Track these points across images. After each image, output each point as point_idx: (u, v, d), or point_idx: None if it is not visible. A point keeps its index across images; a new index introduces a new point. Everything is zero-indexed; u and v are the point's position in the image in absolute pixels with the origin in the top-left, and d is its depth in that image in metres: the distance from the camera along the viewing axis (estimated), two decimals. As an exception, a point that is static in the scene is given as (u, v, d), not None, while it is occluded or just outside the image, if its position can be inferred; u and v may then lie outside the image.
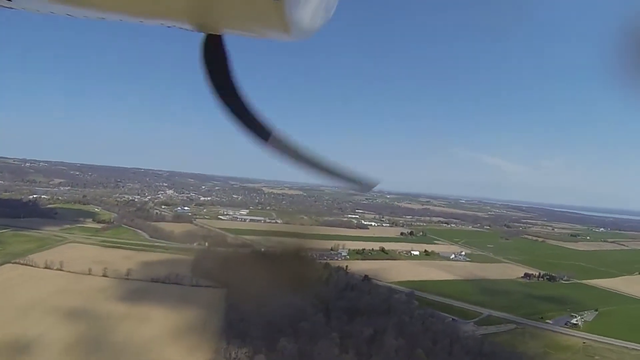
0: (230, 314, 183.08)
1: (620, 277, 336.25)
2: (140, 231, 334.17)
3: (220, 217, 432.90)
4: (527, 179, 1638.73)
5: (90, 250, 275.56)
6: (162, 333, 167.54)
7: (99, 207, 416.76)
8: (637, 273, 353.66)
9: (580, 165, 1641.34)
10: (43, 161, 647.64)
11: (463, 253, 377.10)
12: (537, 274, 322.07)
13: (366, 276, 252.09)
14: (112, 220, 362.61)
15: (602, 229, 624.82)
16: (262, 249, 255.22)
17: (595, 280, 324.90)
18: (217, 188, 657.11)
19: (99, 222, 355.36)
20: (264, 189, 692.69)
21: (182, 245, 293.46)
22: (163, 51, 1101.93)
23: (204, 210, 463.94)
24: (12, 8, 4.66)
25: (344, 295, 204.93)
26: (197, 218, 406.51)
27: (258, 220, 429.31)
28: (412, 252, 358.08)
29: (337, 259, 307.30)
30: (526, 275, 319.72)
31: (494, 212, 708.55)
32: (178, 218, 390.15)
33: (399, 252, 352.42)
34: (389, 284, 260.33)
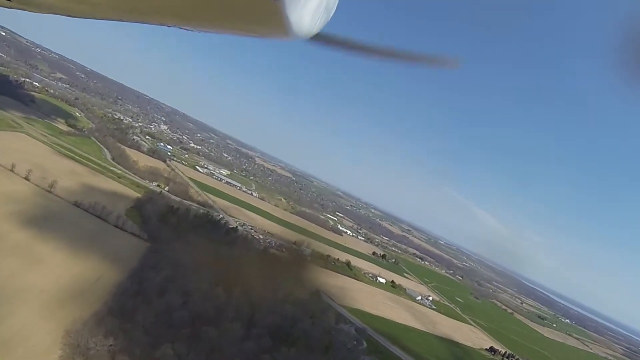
0: (135, 280, 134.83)
1: None
2: (105, 150, 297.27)
3: (197, 167, 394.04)
4: (508, 244, 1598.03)
5: (37, 148, 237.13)
6: (37, 280, 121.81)
7: (82, 114, 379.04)
8: None
9: (561, 250, 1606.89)
10: (55, 53, 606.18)
11: (430, 298, 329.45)
12: (503, 352, 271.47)
13: (318, 291, 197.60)
14: (84, 130, 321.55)
15: (567, 320, 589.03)
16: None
17: None
18: (211, 141, 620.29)
19: (71, 126, 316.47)
20: (257, 159, 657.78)
21: (138, 180, 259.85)
22: None
23: (186, 155, 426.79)
24: (12, 8, 4.84)
25: (280, 309, 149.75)
26: (173, 160, 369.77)
27: (234, 185, 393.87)
28: (378, 278, 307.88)
29: (296, 255, 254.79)
30: (492, 349, 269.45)
31: (469, 264, 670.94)
32: (153, 153, 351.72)
33: (365, 274, 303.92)
34: (341, 309, 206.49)
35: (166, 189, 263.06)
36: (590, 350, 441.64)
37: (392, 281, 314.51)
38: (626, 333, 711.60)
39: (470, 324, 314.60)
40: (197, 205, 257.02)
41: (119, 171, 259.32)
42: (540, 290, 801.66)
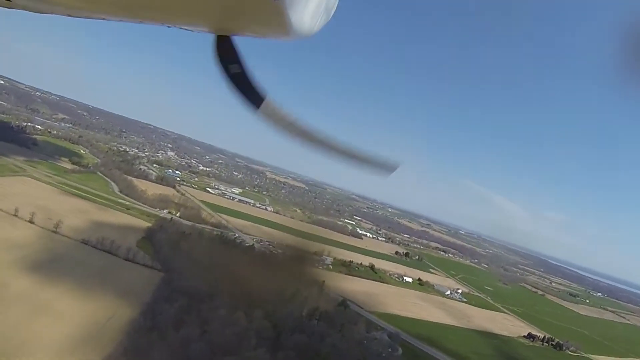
0: (148, 315, 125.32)
1: (630, 358, 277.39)
2: (112, 183, 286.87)
3: (208, 189, 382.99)
4: (527, 225, 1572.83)
5: (41, 189, 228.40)
6: (44, 328, 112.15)
7: (87, 150, 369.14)
8: None
9: (581, 225, 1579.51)
10: (55, 94, 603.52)
11: (460, 291, 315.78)
12: (542, 336, 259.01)
13: (344, 301, 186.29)
14: (89, 166, 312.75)
15: (599, 293, 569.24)
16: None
17: (603, 357, 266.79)
18: (220, 161, 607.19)
19: (75, 163, 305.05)
20: (267, 173, 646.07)
21: (148, 209, 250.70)
22: None
23: (196, 179, 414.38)
24: (12, 8, 4.86)
25: (306, 327, 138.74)
26: (183, 184, 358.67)
27: (247, 203, 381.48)
28: (404, 277, 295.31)
29: (318, 267, 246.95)
30: (529, 335, 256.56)
31: (492, 250, 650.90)
32: (162, 180, 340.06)
33: (390, 275, 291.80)
34: (371, 316, 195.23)
35: (177, 215, 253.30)
36: (627, 322, 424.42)
37: (419, 279, 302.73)
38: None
39: (503, 312, 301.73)
40: (211, 227, 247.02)
41: (127, 203, 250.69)
42: (567, 267, 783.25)
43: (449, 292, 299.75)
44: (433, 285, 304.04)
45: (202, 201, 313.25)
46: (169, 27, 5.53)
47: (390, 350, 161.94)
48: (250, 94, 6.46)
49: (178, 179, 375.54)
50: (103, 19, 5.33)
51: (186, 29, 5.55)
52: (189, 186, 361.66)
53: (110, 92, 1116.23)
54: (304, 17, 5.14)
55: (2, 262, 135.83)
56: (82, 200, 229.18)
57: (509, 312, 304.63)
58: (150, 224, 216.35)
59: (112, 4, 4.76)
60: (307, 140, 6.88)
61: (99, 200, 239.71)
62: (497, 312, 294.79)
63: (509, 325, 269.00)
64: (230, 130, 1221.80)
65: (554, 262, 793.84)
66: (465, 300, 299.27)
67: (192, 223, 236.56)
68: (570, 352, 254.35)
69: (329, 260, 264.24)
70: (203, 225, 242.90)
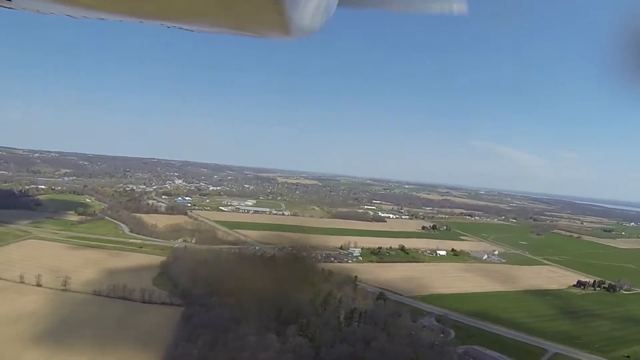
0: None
1: None
2: (122, 224, 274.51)
3: (221, 208, 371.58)
4: (546, 171, 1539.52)
5: (47, 248, 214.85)
6: None
7: (92, 197, 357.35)
8: None
9: (599, 158, 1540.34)
10: (54, 152, 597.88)
11: (496, 252, 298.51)
12: (591, 281, 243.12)
13: (382, 293, 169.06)
14: (96, 213, 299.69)
15: (632, 223, 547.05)
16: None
17: None
18: (229, 178, 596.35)
19: (82, 214, 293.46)
20: (278, 178, 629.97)
21: (162, 242, 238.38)
22: (175, 45, 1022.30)
23: (207, 200, 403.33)
24: (12, 8, 4.90)
25: (347, 334, 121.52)
26: (195, 209, 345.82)
27: (263, 212, 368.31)
28: (437, 251, 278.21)
29: (347, 261, 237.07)
30: (579, 283, 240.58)
31: (516, 204, 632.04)
32: (172, 210, 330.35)
33: (422, 252, 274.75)
34: (413, 301, 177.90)
35: (193, 241, 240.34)
36: None
37: (452, 249, 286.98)
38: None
39: (545, 264, 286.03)
40: (229, 246, 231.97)
41: (139, 241, 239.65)
42: (593, 204, 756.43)
43: (486, 257, 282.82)
44: (468, 252, 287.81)
45: (217, 221, 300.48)
46: (168, 27, 5.45)
47: (442, 335, 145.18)
48: None
49: (189, 204, 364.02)
50: (103, 19, 5.21)
51: (186, 29, 5.51)
52: (201, 209, 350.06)
53: (107, 136, 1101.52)
54: (304, 16, 5.18)
55: (8, 338, 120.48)
56: (92, 250, 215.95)
57: (550, 263, 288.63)
58: (164, 258, 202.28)
59: (112, 3, 4.69)
60: (382, 5, 7.26)
61: (110, 245, 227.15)
62: (539, 266, 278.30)
63: (555, 277, 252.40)
64: (233, 144, 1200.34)
65: (579, 202, 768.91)
66: (504, 260, 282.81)
67: (208, 246, 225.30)
68: (625, 292, 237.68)
69: (357, 251, 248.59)
70: (220, 246, 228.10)
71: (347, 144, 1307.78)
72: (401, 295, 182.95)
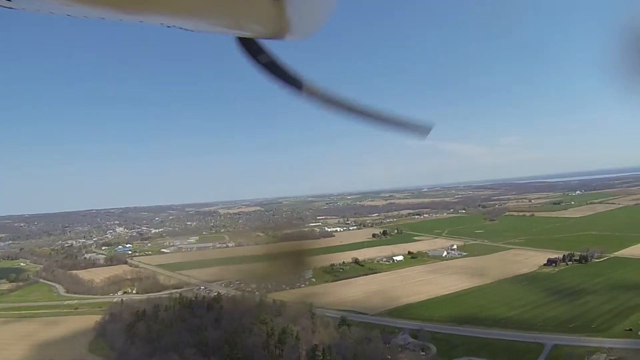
0: None
1: None
2: (57, 285, 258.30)
3: (163, 250, 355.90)
4: (486, 158, 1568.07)
5: None
6: None
7: (28, 261, 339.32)
8: None
9: (537, 138, 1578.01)
10: None
11: (455, 247, 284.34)
12: (560, 257, 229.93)
13: (343, 319, 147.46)
14: (29, 277, 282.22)
15: (577, 191, 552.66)
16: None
17: (628, 249, 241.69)
18: (171, 218, 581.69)
19: (13, 280, 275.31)
20: (220, 210, 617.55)
21: (100, 299, 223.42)
22: (99, 88, 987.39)
23: (149, 244, 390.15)
24: (12, 8, 4.99)
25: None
26: (136, 256, 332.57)
27: (206, 248, 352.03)
28: (394, 257, 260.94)
29: (299, 285, 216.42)
30: (550, 261, 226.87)
31: (461, 194, 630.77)
32: (112, 260, 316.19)
33: (378, 261, 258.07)
34: (382, 319, 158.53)
35: (134, 291, 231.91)
36: (619, 205, 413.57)
37: (409, 252, 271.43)
38: (630, 174, 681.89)
39: (508, 248, 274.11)
40: (171, 291, 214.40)
41: (75, 301, 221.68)
42: (535, 181, 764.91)
43: (445, 253, 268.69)
44: (426, 252, 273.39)
45: (159, 265, 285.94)
46: (168, 27, 5.26)
47: (422, 353, 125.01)
48: (288, 79, 6.46)
49: (129, 252, 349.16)
50: (103, 18, 4.99)
51: (186, 29, 5.35)
52: (142, 255, 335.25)
53: (43, 193, 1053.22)
54: (304, 17, 5.20)
55: None
56: (22, 322, 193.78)
57: (513, 246, 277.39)
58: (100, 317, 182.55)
59: (112, 3, 4.63)
60: (348, 112, 6.73)
61: (43, 312, 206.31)
62: (503, 252, 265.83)
63: (523, 259, 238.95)
64: (172, 183, 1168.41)
65: (522, 182, 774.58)
66: (465, 253, 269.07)
67: (148, 296, 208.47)
68: (597, 260, 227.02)
69: (309, 273, 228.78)
70: (161, 293, 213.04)
71: (283, 164, 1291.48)
72: (366, 314, 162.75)
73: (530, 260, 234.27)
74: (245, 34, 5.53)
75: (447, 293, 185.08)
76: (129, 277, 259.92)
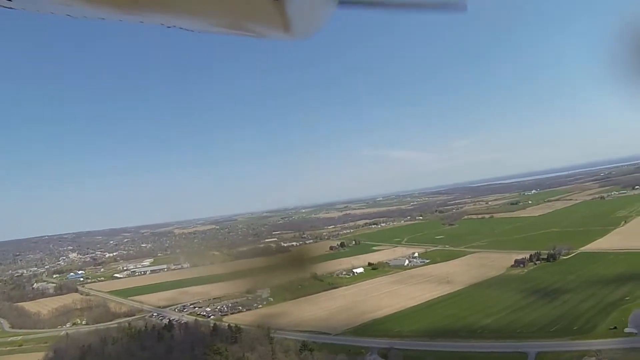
0: None
1: (613, 232, 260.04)
2: (2, 320, 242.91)
3: (116, 275, 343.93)
4: (439, 164, 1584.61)
5: None
6: None
7: None
8: (623, 223, 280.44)
9: (488, 141, 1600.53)
10: None
11: (416, 255, 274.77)
12: (527, 257, 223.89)
13: (304, 344, 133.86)
14: None
15: (533, 190, 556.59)
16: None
17: (593, 244, 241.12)
18: (126, 240, 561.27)
19: None
20: (175, 231, 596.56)
21: (48, 332, 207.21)
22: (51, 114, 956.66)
23: (102, 269, 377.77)
24: (12, 8, 5.12)
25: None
26: (88, 283, 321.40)
27: (159, 270, 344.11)
28: (354, 270, 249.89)
29: (256, 306, 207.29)
30: (517, 262, 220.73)
31: (416, 201, 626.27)
32: (62, 289, 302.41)
33: (338, 275, 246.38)
34: (347, 339, 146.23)
35: (83, 322, 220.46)
36: (576, 201, 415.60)
37: (369, 263, 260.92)
38: (580, 170, 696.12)
39: (472, 252, 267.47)
40: (122, 320, 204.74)
41: (19, 337, 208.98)
42: (490, 183, 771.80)
43: (407, 262, 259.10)
44: (387, 262, 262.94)
45: (111, 292, 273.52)
46: (168, 27, 5.51)
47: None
48: None
49: (81, 279, 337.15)
50: (103, 18, 5.29)
51: (186, 29, 5.56)
52: (94, 281, 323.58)
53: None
54: (304, 17, 5.21)
55: None
56: None
57: (476, 250, 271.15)
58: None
59: (112, 3, 4.80)
60: (388, 8, 6.94)
61: None
62: (466, 257, 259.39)
63: (489, 263, 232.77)
64: (126, 204, 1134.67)
65: (476, 185, 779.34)
66: (427, 260, 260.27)
67: (96, 326, 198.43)
68: (565, 257, 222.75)
69: (266, 292, 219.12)
70: (111, 323, 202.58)
71: (237, 181, 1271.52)
72: (329, 334, 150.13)
73: (496, 262, 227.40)
74: (245, 34, 5.56)
75: (415, 304, 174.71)
76: (78, 306, 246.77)
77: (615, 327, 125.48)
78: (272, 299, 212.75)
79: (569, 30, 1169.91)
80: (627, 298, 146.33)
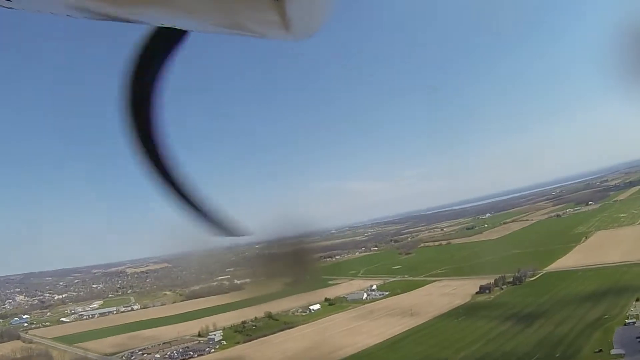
0: None
1: (575, 249, 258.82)
2: None
3: (63, 319, 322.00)
4: (390, 193, 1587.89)
5: None
6: None
7: None
8: (584, 239, 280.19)
9: (437, 169, 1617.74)
10: None
11: (375, 287, 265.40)
12: (492, 282, 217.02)
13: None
14: None
15: (487, 214, 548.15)
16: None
17: (558, 262, 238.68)
18: (76, 281, 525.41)
19: None
20: (127, 270, 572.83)
21: None
22: None
23: (48, 313, 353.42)
24: (12, 8, 5.18)
25: None
26: (32, 328, 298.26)
27: (108, 313, 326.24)
28: (310, 307, 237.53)
29: (208, 351, 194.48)
30: (482, 288, 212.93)
31: (370, 232, 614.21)
32: (2, 336, 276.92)
33: (293, 312, 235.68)
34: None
35: None
36: (533, 221, 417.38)
37: (326, 299, 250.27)
38: (530, 192, 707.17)
39: (433, 281, 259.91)
40: None
41: None
42: (442, 210, 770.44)
43: (365, 296, 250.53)
44: (345, 297, 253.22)
45: (55, 338, 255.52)
46: (168, 27, 5.39)
47: None
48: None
49: (26, 324, 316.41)
50: (102, 19, 4.90)
51: (185, 29, 5.40)
52: (39, 327, 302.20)
53: None
54: (304, 17, 5.00)
55: None
56: None
57: (437, 278, 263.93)
58: None
59: (112, 3, 4.61)
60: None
61: None
62: (428, 286, 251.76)
63: (452, 291, 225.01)
64: (77, 243, 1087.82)
65: (429, 212, 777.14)
66: (387, 293, 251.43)
67: None
68: (531, 279, 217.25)
69: (219, 334, 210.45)
70: None
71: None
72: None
73: (460, 290, 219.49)
74: (246, 34, 5.16)
75: (378, 342, 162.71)
76: (18, 356, 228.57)
77: (600, 350, 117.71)
78: (224, 342, 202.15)
79: (513, 57, 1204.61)
80: (606, 317, 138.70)
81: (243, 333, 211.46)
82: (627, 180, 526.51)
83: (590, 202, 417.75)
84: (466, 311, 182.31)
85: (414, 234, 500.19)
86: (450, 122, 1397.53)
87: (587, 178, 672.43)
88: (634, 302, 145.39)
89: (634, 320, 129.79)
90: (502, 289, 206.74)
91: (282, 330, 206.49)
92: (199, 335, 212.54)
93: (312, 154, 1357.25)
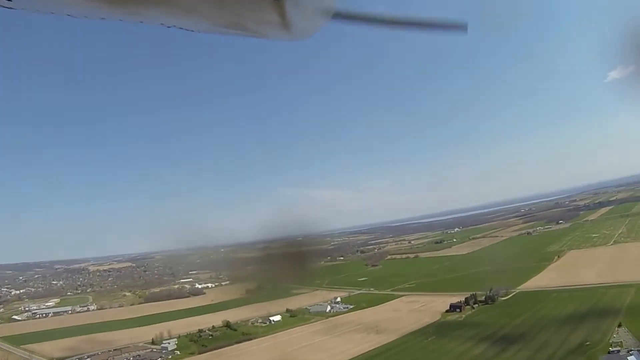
0: None
1: (548, 269, 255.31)
2: None
3: (15, 317, 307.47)
4: (358, 204, 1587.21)
5: None
6: None
7: None
8: (556, 258, 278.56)
9: (406, 181, 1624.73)
10: None
11: (339, 299, 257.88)
12: (462, 300, 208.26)
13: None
14: None
15: (456, 229, 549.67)
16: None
17: (531, 281, 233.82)
18: (37, 277, 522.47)
19: None
20: (90, 267, 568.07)
21: None
22: None
23: (1, 310, 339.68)
24: (12, 8, 5.16)
25: None
26: None
27: (63, 313, 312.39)
28: (271, 318, 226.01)
29: None
30: (453, 306, 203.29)
31: (336, 241, 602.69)
32: None
33: (253, 323, 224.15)
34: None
35: None
36: (503, 237, 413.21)
37: (287, 310, 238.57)
38: (500, 207, 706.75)
39: (400, 295, 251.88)
40: None
41: None
42: (410, 223, 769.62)
43: (329, 308, 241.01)
44: (307, 308, 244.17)
45: (4, 338, 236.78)
46: (168, 27, 5.59)
47: None
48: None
49: None
50: (103, 18, 5.37)
51: (185, 29, 5.64)
52: None
53: None
54: (304, 16, 5.33)
55: None
56: None
57: (404, 293, 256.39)
58: None
59: (112, 3, 4.91)
60: (385, 24, 6.81)
61: None
62: (394, 301, 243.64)
63: (420, 307, 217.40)
64: (40, 236, 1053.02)
65: (397, 224, 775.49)
66: (352, 306, 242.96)
67: None
68: (504, 298, 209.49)
69: (173, 343, 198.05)
70: None
71: (156, 215, 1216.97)
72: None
73: (429, 307, 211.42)
74: (246, 34, 5.59)
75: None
76: None
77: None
78: (178, 352, 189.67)
79: (487, 68, 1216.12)
80: (587, 343, 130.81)
81: (199, 343, 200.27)
82: (597, 201, 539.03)
83: (560, 221, 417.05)
84: (436, 330, 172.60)
85: (380, 246, 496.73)
86: (422, 135, 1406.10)
87: (556, 197, 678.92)
88: (616, 328, 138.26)
89: (618, 348, 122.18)
90: (473, 307, 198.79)
91: (240, 342, 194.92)
92: (153, 342, 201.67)
93: (279, 159, 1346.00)
